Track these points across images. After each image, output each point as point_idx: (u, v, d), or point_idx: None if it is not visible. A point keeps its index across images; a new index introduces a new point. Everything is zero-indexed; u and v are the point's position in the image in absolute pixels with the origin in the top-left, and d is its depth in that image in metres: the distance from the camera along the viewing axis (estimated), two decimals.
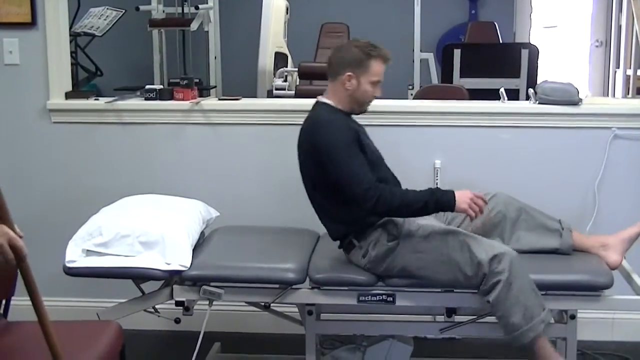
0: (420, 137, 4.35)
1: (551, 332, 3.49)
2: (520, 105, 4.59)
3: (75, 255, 3.50)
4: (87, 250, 3.51)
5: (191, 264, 3.54)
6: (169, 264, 3.49)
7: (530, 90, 4.45)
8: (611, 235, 3.70)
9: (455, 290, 3.54)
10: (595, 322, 4.20)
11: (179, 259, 3.51)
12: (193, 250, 3.64)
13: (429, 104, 4.61)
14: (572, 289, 3.48)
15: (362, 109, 3.70)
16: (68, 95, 4.48)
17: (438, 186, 4.24)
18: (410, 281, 3.51)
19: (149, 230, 3.54)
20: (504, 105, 4.44)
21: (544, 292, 3.45)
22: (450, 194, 3.41)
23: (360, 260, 3.55)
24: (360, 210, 3.45)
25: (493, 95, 6.19)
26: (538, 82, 6.79)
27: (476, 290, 3.40)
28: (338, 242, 3.67)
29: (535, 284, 3.41)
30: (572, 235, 3.68)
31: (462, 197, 3.41)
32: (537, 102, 4.35)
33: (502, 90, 4.48)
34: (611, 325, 4.34)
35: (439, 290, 3.55)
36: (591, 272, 3.50)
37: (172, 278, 3.57)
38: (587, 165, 4.29)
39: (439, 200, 3.41)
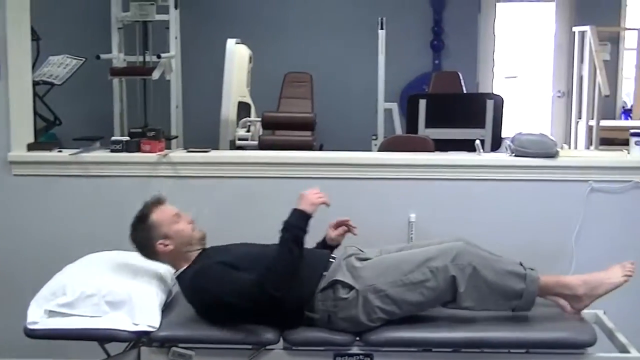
0: (394, 188, 4.25)
1: None
2: (497, 158, 4.52)
3: (37, 317, 3.34)
4: (50, 311, 3.35)
5: (160, 324, 3.39)
6: (136, 325, 3.33)
7: (506, 142, 4.37)
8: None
9: (433, 350, 3.43)
10: None
11: (147, 319, 3.36)
12: (162, 309, 3.49)
13: (399, 156, 4.52)
14: (554, 347, 3.38)
15: (201, 242, 3.62)
16: (30, 147, 4.34)
17: (413, 241, 4.15)
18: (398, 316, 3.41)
19: (115, 289, 3.40)
20: (480, 157, 4.37)
21: (524, 351, 3.37)
22: (292, 211, 3.41)
23: (328, 325, 3.43)
24: (276, 298, 3.30)
25: (459, 145, 6.17)
26: (503, 132, 6.85)
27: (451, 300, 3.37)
28: None
29: (515, 342, 3.35)
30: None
31: (304, 200, 3.42)
32: (513, 154, 4.28)
33: (477, 142, 4.41)
34: None
35: (416, 349, 3.43)
36: (573, 329, 3.40)
37: (139, 339, 3.39)
38: (564, 218, 4.24)
39: (291, 224, 3.37)
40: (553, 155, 4.23)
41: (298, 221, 3.38)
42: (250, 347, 3.39)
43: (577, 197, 4.21)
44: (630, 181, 4.23)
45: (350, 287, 3.40)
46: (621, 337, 3.51)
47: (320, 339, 3.40)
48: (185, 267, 3.49)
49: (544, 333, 3.39)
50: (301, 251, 3.38)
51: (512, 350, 3.41)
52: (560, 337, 3.37)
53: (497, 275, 3.37)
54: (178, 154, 4.34)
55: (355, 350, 3.40)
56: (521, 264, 3.46)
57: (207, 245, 3.66)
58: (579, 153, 5.37)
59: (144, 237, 3.54)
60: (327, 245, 3.78)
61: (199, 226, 3.61)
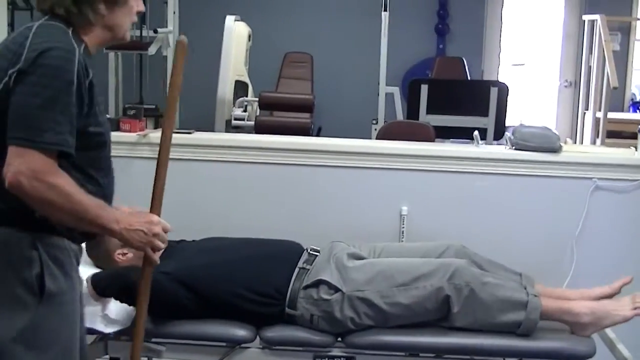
0: (386, 181, 4.04)
1: None
2: (496, 151, 4.29)
3: None
4: None
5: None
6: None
7: (507, 134, 4.15)
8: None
9: (420, 355, 3.25)
10: None
11: (116, 311, 3.16)
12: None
13: (396, 145, 4.30)
14: (550, 357, 3.17)
15: None
16: None
17: (404, 235, 3.95)
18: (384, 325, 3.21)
19: (83, 278, 3.17)
20: (478, 150, 4.16)
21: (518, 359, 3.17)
22: None
23: (310, 325, 3.22)
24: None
25: (460, 133, 5.96)
26: (507, 121, 6.64)
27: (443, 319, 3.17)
28: None
29: (507, 350, 3.16)
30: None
31: None
32: (513, 147, 4.06)
33: (476, 133, 4.20)
34: None
35: (403, 354, 3.23)
36: (571, 339, 3.19)
37: (107, 333, 3.19)
38: (566, 217, 4.03)
39: None
40: (556, 150, 4.01)
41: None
42: (224, 344, 3.20)
43: (579, 195, 3.99)
44: (637, 180, 4.01)
45: (337, 289, 3.20)
46: (623, 350, 3.30)
47: (299, 338, 3.21)
48: None
49: (539, 342, 3.17)
50: None
51: (505, 359, 3.21)
52: (557, 347, 3.16)
53: (497, 302, 3.14)
54: (158, 134, 4.11)
55: (336, 352, 3.20)
56: (523, 283, 3.24)
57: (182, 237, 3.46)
58: (583, 148, 5.15)
59: (99, 252, 3.36)
60: None
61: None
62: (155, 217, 2.51)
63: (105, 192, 2.45)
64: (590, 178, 4.00)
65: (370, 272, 3.22)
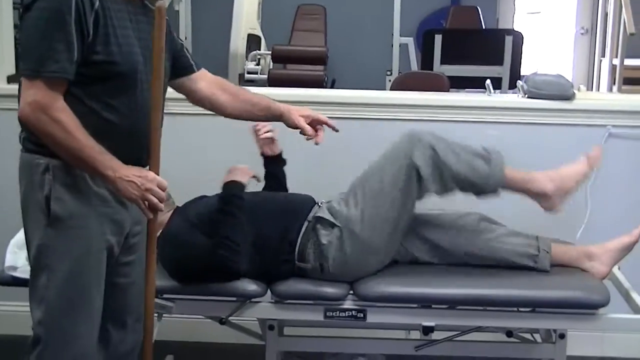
0: (399, 132, 3.98)
1: (537, 352, 3.21)
2: (509, 100, 4.25)
3: (18, 261, 3.14)
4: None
5: None
6: None
7: (519, 83, 4.10)
8: (597, 245, 3.33)
9: (433, 307, 3.20)
10: (583, 337, 3.85)
11: None
12: None
13: (408, 95, 4.26)
14: (563, 306, 3.12)
15: (168, 205, 3.21)
16: (10, 79, 4.08)
17: None
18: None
19: None
20: (491, 98, 4.12)
21: (530, 309, 3.13)
22: (224, 185, 3.24)
23: (322, 275, 3.20)
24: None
25: (474, 83, 5.92)
26: (522, 70, 6.58)
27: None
28: None
29: (521, 300, 3.13)
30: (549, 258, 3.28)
31: (234, 173, 3.27)
32: (526, 95, 4.01)
33: (488, 82, 4.15)
34: (601, 340, 4.00)
35: (415, 305, 3.20)
36: (585, 289, 3.14)
37: None
38: None
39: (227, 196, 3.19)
40: (569, 97, 3.95)
41: (234, 191, 3.19)
42: (234, 299, 3.18)
43: (593, 143, 3.87)
44: None
45: (332, 225, 3.20)
46: (637, 298, 3.24)
47: (310, 292, 3.17)
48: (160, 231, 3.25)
49: (552, 291, 3.13)
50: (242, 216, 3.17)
51: (518, 309, 3.17)
52: (570, 296, 3.11)
53: (461, 154, 3.17)
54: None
55: (347, 304, 3.17)
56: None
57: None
58: (597, 95, 5.10)
59: None
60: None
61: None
62: (150, 173, 2.53)
63: (127, 122, 2.53)
64: (604, 125, 3.94)
65: (352, 198, 3.23)
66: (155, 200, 2.50)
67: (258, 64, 7.16)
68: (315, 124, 3.16)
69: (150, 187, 2.49)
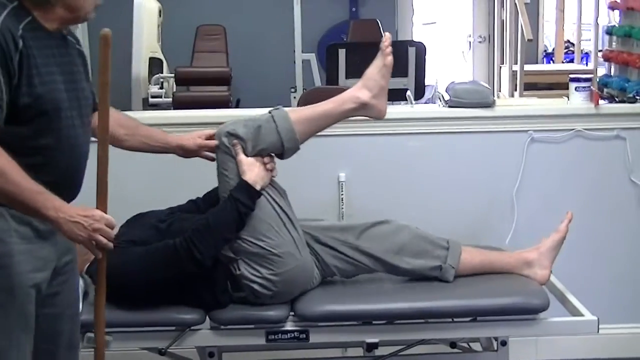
0: (320, 147, 3.94)
1: None
2: (431, 109, 4.25)
3: None
4: None
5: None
6: None
7: (439, 93, 4.10)
8: (532, 249, 3.34)
9: (373, 323, 3.17)
10: (519, 342, 3.86)
11: None
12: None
13: None
14: (504, 313, 3.12)
15: None
16: None
17: (344, 202, 3.88)
18: None
19: None
20: (413, 109, 4.09)
21: (471, 319, 3.13)
22: (243, 184, 3.06)
23: (258, 300, 3.11)
24: (197, 263, 2.98)
25: None
26: (425, 80, 6.61)
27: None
28: None
29: (462, 310, 3.12)
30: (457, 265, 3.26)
31: (253, 172, 3.09)
32: (447, 104, 4.01)
33: (409, 93, 4.16)
34: (535, 343, 4.01)
35: (357, 322, 3.16)
36: (524, 294, 3.15)
37: None
38: (504, 171, 4.00)
39: (242, 202, 3.03)
40: (490, 104, 3.98)
41: (249, 200, 3.05)
42: (173, 328, 3.09)
43: (516, 149, 3.96)
44: (572, 129, 3.99)
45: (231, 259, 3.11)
46: (573, 300, 3.28)
47: (250, 316, 3.09)
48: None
49: (492, 299, 3.13)
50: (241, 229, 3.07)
51: (456, 320, 3.17)
52: (510, 302, 3.11)
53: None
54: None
55: (289, 326, 3.10)
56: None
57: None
58: (516, 102, 5.15)
59: None
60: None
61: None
62: (97, 212, 2.41)
63: (54, 160, 2.42)
64: (526, 131, 3.97)
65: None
66: (103, 240, 2.40)
67: (162, 87, 7.04)
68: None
69: (98, 227, 2.37)
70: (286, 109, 3.20)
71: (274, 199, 3.11)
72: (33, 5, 2.39)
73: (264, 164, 3.11)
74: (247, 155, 3.09)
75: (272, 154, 3.14)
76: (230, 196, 3.04)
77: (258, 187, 3.05)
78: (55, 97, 2.40)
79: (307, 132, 3.20)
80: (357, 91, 3.24)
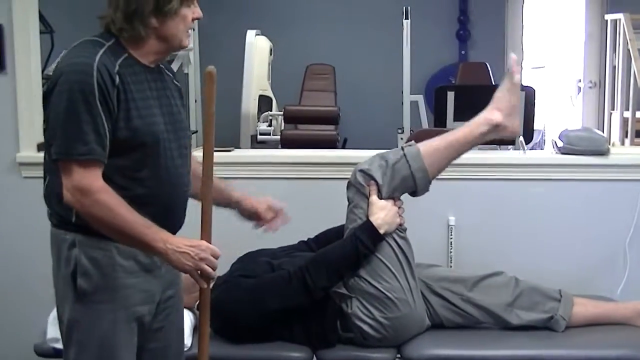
0: (432, 190, 3.92)
1: None
2: (543, 156, 4.22)
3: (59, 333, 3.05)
4: None
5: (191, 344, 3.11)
6: None
7: (552, 140, 4.06)
8: None
9: None
10: None
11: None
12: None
13: None
14: None
15: None
16: (40, 147, 4.01)
17: (452, 245, 3.87)
18: None
19: None
20: (525, 156, 4.07)
21: None
22: (368, 225, 3.12)
23: (366, 342, 3.14)
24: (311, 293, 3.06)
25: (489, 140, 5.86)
26: (535, 125, 6.54)
27: None
28: None
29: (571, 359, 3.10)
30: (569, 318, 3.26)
31: (383, 215, 3.16)
32: (560, 151, 3.97)
33: (520, 139, 4.10)
34: None
35: None
36: (633, 346, 3.10)
37: None
38: (617, 221, 3.93)
39: (365, 244, 3.09)
40: (604, 152, 3.92)
41: (370, 242, 3.10)
42: None
43: (631, 198, 3.89)
44: None
45: (348, 297, 3.16)
46: None
47: (358, 357, 3.13)
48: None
49: (603, 351, 3.11)
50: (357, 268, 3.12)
51: None
52: (622, 354, 3.08)
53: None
54: (199, 154, 4.04)
55: None
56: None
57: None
58: (631, 150, 5.05)
59: None
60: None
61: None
62: (203, 242, 2.48)
63: (155, 193, 2.47)
64: None
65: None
66: (209, 269, 2.46)
67: (270, 125, 7.11)
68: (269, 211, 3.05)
69: (204, 256, 2.44)
70: (418, 144, 3.21)
71: (398, 245, 3.14)
72: (128, 42, 2.45)
73: (396, 207, 3.15)
74: (380, 198, 3.12)
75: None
76: (353, 234, 3.08)
77: (382, 231, 3.09)
78: (154, 129, 2.46)
79: (438, 165, 3.24)
80: (489, 113, 3.26)
